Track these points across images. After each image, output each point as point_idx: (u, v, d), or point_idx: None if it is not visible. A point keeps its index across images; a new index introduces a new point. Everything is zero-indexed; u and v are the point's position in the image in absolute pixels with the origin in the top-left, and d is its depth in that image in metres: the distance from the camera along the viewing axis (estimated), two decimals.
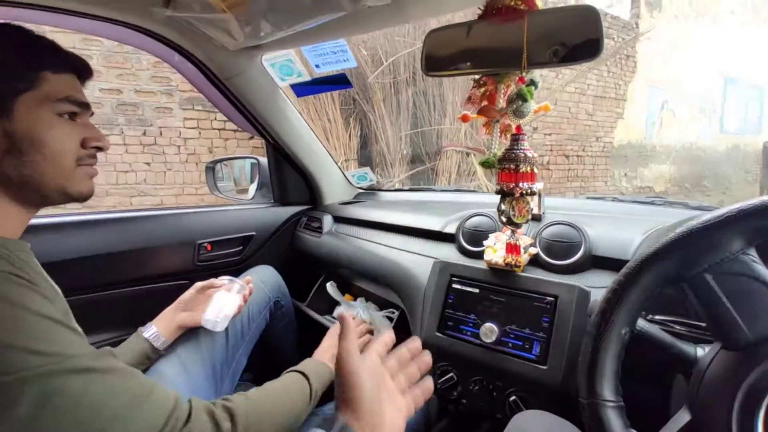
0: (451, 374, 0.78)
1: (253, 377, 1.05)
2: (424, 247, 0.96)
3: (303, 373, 0.70)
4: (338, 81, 1.05)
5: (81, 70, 0.57)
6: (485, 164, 0.63)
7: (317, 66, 0.99)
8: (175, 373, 0.79)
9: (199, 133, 3.87)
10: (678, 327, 0.57)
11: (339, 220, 1.25)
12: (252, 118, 1.10)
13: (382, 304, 1.12)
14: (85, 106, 0.57)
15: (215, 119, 3.93)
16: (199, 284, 0.88)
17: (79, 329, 0.48)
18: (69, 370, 0.41)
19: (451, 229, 0.93)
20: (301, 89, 1.08)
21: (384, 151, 3.91)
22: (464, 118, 0.67)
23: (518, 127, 0.64)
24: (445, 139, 4.07)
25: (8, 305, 0.41)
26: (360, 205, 1.32)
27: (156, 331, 0.80)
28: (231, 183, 1.65)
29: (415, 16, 0.76)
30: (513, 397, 0.71)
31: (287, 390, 0.67)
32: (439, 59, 0.63)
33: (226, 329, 0.86)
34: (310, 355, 1.15)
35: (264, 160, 1.35)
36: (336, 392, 0.46)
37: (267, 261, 1.16)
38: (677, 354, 0.47)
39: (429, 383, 0.53)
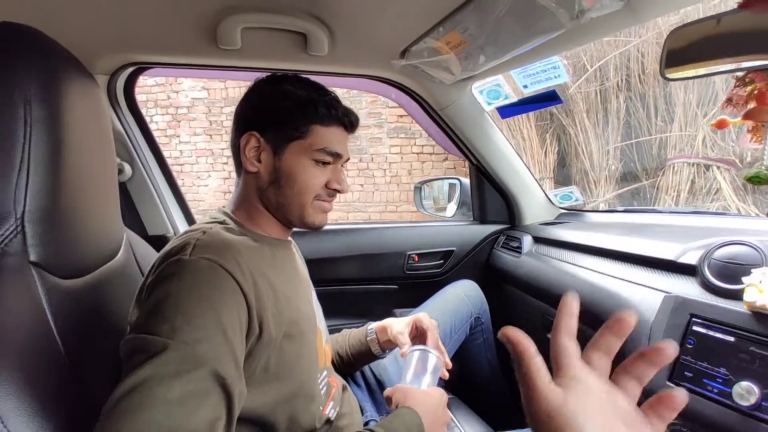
0: None
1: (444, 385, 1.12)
2: (650, 278, 0.82)
3: None
4: (547, 98, 1.03)
5: (347, 124, 0.64)
6: (755, 180, 0.50)
7: (525, 86, 1.00)
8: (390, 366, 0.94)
9: (401, 157, 4.41)
10: None
11: (539, 240, 1.20)
12: (459, 142, 1.20)
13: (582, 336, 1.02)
14: (338, 156, 0.62)
15: (414, 144, 4.39)
16: (415, 323, 0.82)
17: (232, 334, 0.46)
18: (161, 359, 0.41)
19: (690, 258, 0.77)
20: (507, 110, 1.11)
21: (586, 168, 3.50)
22: (721, 124, 0.56)
23: None
24: (672, 150, 3.32)
25: (194, 284, 0.46)
26: (563, 226, 1.23)
27: (375, 337, 0.85)
28: (431, 202, 1.83)
29: (648, 16, 0.68)
30: None
31: None
32: (684, 59, 0.54)
33: None
34: (504, 373, 1.14)
35: (465, 181, 1.43)
36: None
37: (464, 276, 1.23)
38: None
39: (678, 394, 0.28)
